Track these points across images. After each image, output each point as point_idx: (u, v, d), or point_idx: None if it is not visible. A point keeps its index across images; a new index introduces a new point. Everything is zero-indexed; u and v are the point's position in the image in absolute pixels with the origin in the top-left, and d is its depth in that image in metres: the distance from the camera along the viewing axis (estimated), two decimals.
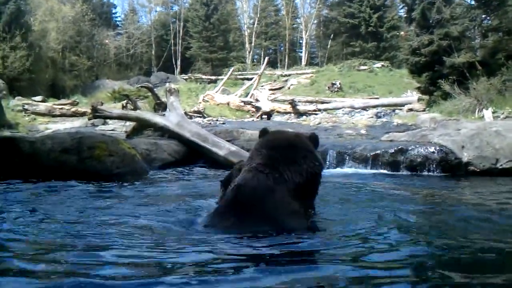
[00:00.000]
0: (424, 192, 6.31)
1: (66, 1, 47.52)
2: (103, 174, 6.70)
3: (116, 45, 53.52)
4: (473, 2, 22.38)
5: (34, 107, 26.37)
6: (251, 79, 35.59)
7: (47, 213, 4.00)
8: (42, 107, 26.81)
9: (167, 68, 53.52)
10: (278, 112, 26.43)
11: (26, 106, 26.12)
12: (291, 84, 37.41)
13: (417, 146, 9.08)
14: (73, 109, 27.15)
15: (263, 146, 3.52)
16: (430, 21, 23.48)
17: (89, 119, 16.68)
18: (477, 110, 18.04)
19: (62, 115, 26.16)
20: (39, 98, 30.34)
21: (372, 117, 23.58)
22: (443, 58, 21.81)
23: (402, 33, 37.79)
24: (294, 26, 58.84)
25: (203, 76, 45.27)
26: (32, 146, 6.81)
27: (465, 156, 8.57)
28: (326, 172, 8.54)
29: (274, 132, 3.88)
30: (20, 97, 28.97)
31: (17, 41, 33.71)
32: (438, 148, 8.86)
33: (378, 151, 9.09)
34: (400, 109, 25.36)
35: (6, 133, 16.94)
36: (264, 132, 3.73)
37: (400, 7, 41.71)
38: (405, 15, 29.82)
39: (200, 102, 28.19)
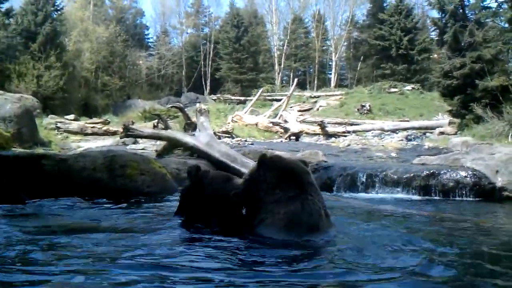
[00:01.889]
0: (454, 217, 6.14)
1: (100, 22, 48.78)
2: (134, 192, 6.75)
3: (148, 65, 54.57)
4: (506, 25, 22.07)
5: (67, 126, 26.91)
6: (280, 100, 35.72)
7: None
8: (75, 125, 27.35)
9: (197, 88, 54.22)
10: (306, 133, 26.41)
11: (59, 124, 26.66)
12: (320, 106, 37.33)
13: (449, 170, 8.84)
14: (104, 128, 27.65)
15: None
16: (462, 44, 23.26)
17: (121, 137, 16.94)
18: (510, 134, 17.69)
19: (93, 133, 26.65)
20: (71, 116, 30.95)
21: (402, 140, 23.34)
22: (475, 81, 21.52)
23: (435, 55, 37.38)
24: (323, 48, 58.85)
25: (232, 97, 45.57)
26: (66, 163, 6.92)
27: (499, 181, 8.36)
28: (356, 195, 8.51)
29: None
30: (53, 116, 29.59)
31: (52, 61, 34.74)
32: (471, 172, 8.62)
33: (410, 175, 8.92)
34: (431, 132, 25.06)
35: (40, 150, 17.27)
36: None
37: (432, 29, 41.48)
38: (437, 38, 29.64)
39: (229, 123, 28.40)
